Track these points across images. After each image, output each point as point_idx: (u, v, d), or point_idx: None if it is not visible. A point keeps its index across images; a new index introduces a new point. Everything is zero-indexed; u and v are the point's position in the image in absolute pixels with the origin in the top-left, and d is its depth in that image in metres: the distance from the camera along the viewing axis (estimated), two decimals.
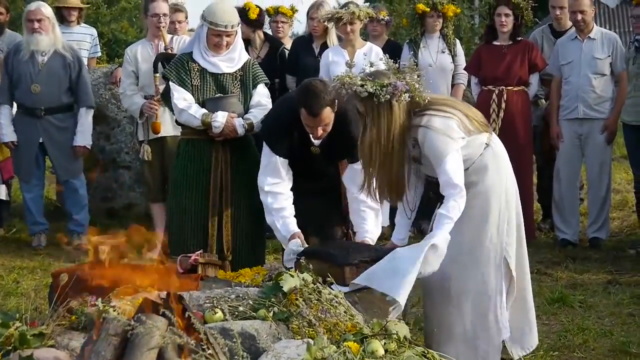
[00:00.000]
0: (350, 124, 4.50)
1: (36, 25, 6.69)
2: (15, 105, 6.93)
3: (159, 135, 6.43)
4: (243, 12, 7.07)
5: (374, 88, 3.89)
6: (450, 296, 4.01)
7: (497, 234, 4.05)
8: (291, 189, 4.70)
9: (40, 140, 6.79)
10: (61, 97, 6.81)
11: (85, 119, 6.87)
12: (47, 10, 6.80)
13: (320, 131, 4.46)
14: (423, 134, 3.93)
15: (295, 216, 4.66)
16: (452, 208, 3.83)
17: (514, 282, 4.14)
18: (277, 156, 4.62)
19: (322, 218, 4.84)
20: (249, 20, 7.18)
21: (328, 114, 4.41)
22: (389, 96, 3.89)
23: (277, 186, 4.63)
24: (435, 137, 3.91)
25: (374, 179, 4.06)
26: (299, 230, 4.55)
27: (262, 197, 4.67)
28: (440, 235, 3.79)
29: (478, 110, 4.25)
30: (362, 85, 3.91)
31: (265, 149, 4.68)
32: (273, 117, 4.82)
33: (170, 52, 6.27)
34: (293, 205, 4.63)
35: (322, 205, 4.82)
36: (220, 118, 4.95)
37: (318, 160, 4.71)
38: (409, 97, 3.92)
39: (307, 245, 4.44)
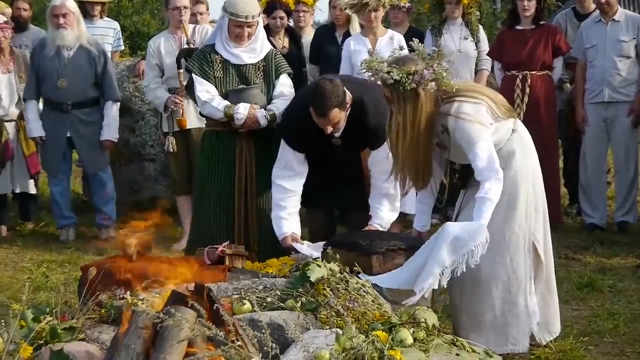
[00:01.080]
0: (368, 115, 4.56)
1: (61, 20, 6.69)
2: (42, 100, 6.98)
3: None
4: (281, 2, 7.02)
5: (400, 75, 3.88)
6: (479, 283, 4.00)
7: (525, 219, 4.04)
8: (314, 178, 4.76)
9: (68, 135, 6.83)
10: (87, 91, 6.82)
11: (112, 112, 6.88)
12: (72, 5, 6.80)
13: (329, 129, 4.51)
14: (454, 122, 3.92)
15: (319, 204, 4.84)
16: (489, 190, 3.83)
17: (542, 268, 4.13)
18: (293, 150, 4.69)
19: (346, 205, 4.90)
20: (288, 9, 7.15)
21: (336, 114, 4.46)
22: (414, 85, 3.88)
23: (287, 180, 4.72)
24: (466, 124, 3.90)
25: (400, 164, 4.06)
26: (292, 231, 4.65)
27: (272, 188, 4.75)
28: (485, 217, 3.79)
29: (502, 96, 4.24)
30: (388, 72, 3.91)
31: (282, 142, 4.74)
32: (289, 111, 4.86)
33: (192, 46, 6.27)
34: (299, 204, 4.74)
35: (345, 193, 4.85)
36: (242, 110, 4.96)
37: (339, 151, 4.74)
38: (435, 85, 3.91)
39: (301, 243, 4.59)
